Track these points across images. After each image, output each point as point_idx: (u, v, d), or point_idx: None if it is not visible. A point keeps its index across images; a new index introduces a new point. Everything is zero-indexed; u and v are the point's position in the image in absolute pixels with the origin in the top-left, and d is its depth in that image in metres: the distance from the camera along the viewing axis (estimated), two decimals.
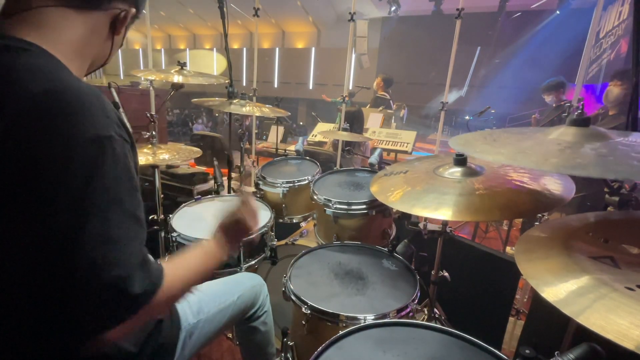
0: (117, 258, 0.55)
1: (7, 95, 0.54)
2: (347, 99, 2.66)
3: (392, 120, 4.88)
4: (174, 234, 1.44)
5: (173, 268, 0.66)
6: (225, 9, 1.83)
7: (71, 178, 0.53)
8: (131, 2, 0.70)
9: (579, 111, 0.79)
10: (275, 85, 12.44)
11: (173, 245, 1.46)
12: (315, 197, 1.63)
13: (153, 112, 1.91)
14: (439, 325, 0.88)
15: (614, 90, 3.02)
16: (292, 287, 1.13)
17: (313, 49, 11.90)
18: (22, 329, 0.58)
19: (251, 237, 0.87)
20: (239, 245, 0.88)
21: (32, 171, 0.53)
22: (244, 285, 1.16)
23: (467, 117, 2.94)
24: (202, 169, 2.94)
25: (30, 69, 0.56)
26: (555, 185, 0.94)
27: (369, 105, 5.16)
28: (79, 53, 0.66)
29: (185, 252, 0.75)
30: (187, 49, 14.59)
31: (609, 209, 0.95)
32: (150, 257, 0.62)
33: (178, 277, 0.66)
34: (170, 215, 1.58)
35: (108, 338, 0.57)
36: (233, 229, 0.85)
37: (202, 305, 1.01)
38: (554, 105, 3.62)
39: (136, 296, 0.56)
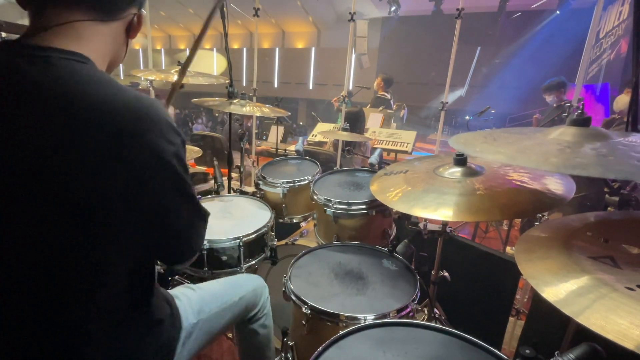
0: (202, 233, 0.83)
1: (100, 101, 0.60)
2: (346, 99, 2.66)
3: (392, 120, 4.88)
4: None
5: None
6: (225, 9, 1.83)
7: (171, 176, 0.68)
8: (139, 5, 0.77)
9: (579, 111, 0.79)
10: (275, 85, 12.44)
11: None
12: (315, 197, 1.63)
13: None
14: (439, 325, 0.88)
15: (624, 98, 3.06)
16: (292, 287, 1.13)
17: (313, 49, 11.90)
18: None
19: None
20: None
21: (143, 183, 0.64)
22: (245, 286, 1.16)
23: (467, 117, 2.94)
24: (202, 169, 2.95)
25: (101, 78, 0.64)
26: (555, 185, 0.94)
27: (369, 105, 5.16)
28: (103, 60, 0.73)
29: None
30: (187, 49, 14.58)
31: (609, 209, 0.95)
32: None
33: None
34: None
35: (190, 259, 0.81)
36: None
37: (203, 305, 1.01)
38: (554, 105, 3.62)
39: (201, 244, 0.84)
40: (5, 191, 0.59)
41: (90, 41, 0.68)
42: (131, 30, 0.77)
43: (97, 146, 0.58)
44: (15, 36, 0.65)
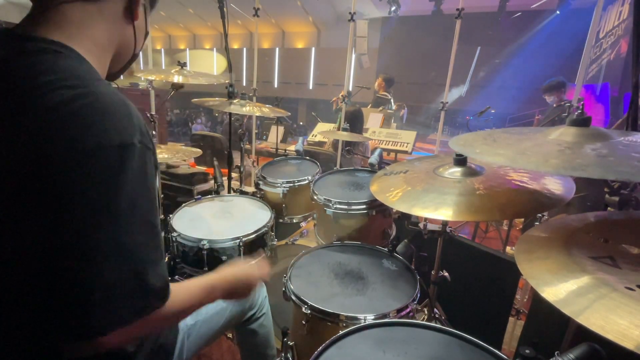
0: (130, 268, 0.56)
1: (39, 97, 0.55)
2: (346, 99, 2.66)
3: (392, 120, 4.88)
4: (174, 234, 1.44)
5: (179, 290, 0.67)
6: (225, 9, 1.83)
7: (91, 184, 0.54)
8: None
9: (579, 111, 0.79)
10: (275, 85, 12.44)
11: (173, 245, 1.46)
12: (315, 197, 1.63)
13: (153, 112, 1.92)
14: (439, 325, 0.88)
15: None
16: (292, 287, 1.13)
17: (313, 49, 11.90)
18: (21, 329, 0.58)
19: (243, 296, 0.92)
20: (231, 298, 0.93)
21: (52, 174, 0.53)
22: None
23: (468, 117, 2.94)
24: (202, 169, 2.95)
25: (62, 71, 0.57)
26: (555, 185, 0.94)
27: (370, 105, 5.16)
28: (100, 46, 0.66)
29: (193, 281, 0.75)
30: (187, 49, 14.59)
31: (609, 209, 0.95)
32: (163, 270, 0.62)
33: (180, 300, 0.66)
34: (171, 215, 1.58)
35: (105, 342, 0.56)
36: (240, 287, 0.87)
37: None
38: (554, 105, 3.62)
39: (142, 307, 0.57)
40: None
41: (81, 26, 0.62)
42: (133, 10, 0.68)
43: (58, 140, 0.53)
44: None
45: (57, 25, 0.61)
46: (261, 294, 1.22)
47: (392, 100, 5.10)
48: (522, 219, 3.38)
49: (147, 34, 0.77)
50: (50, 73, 0.56)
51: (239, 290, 0.87)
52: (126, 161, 0.56)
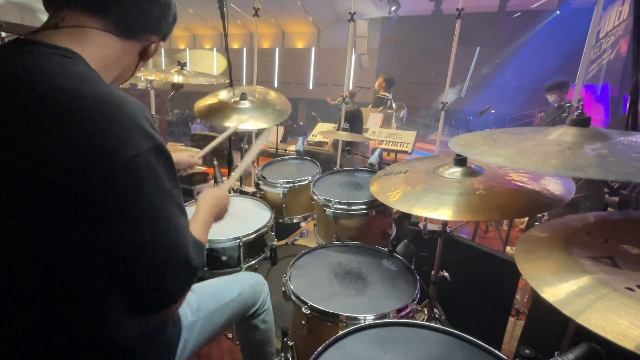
0: (182, 242, 0.67)
1: (58, 94, 0.58)
2: (347, 99, 2.66)
3: (393, 120, 4.88)
4: None
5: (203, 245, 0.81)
6: (225, 9, 1.83)
7: (130, 182, 0.59)
8: (161, 36, 0.78)
9: (579, 111, 0.79)
10: (275, 85, 12.44)
11: None
12: (315, 197, 1.63)
13: (153, 112, 1.92)
14: (439, 325, 0.88)
15: None
16: (292, 287, 1.13)
17: (313, 49, 11.90)
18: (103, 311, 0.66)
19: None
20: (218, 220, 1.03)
21: (93, 176, 0.57)
22: (243, 283, 1.16)
23: (470, 118, 2.94)
24: (202, 169, 2.94)
25: (76, 74, 0.61)
26: (555, 186, 0.94)
27: (370, 106, 5.16)
28: (107, 69, 0.72)
29: (196, 228, 0.84)
30: (187, 49, 14.59)
31: (609, 209, 0.95)
32: (192, 238, 0.73)
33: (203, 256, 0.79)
34: None
35: (175, 308, 0.71)
36: (220, 208, 1.01)
37: (202, 303, 1.01)
38: (555, 105, 3.62)
39: (192, 273, 0.70)
40: None
41: (98, 48, 0.68)
42: (146, 55, 0.78)
43: (58, 140, 0.56)
44: (15, 36, 0.66)
45: (77, 40, 0.66)
46: (263, 291, 1.22)
47: (392, 101, 5.10)
48: (523, 219, 3.39)
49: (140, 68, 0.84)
50: (70, 75, 0.60)
51: (220, 211, 1.01)
52: (158, 154, 0.63)
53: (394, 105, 5.14)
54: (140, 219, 0.61)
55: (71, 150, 0.56)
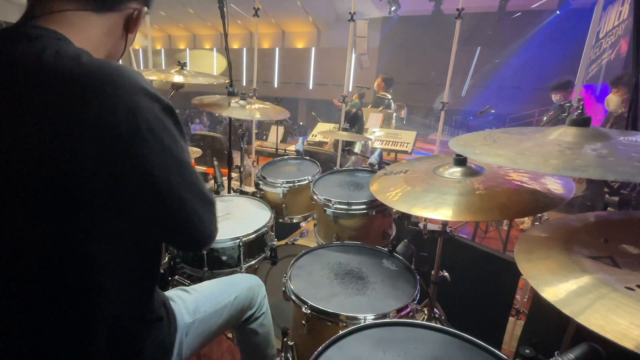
0: (204, 185, 0.73)
1: (66, 74, 0.58)
2: (352, 100, 2.66)
3: (393, 120, 4.89)
4: None
5: None
6: (225, 9, 1.83)
7: (149, 143, 0.61)
8: (143, 0, 0.75)
9: (579, 111, 0.79)
10: (275, 85, 12.45)
11: None
12: (315, 197, 1.63)
13: None
14: (439, 325, 0.88)
15: (613, 98, 3.07)
16: (292, 287, 1.13)
17: (313, 49, 11.91)
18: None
19: None
20: None
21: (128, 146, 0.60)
22: (240, 285, 1.16)
23: (470, 118, 2.95)
24: (202, 169, 2.95)
25: (73, 53, 0.61)
26: (555, 185, 0.94)
27: (370, 106, 5.17)
28: (95, 50, 0.70)
29: None
30: (187, 49, 14.59)
31: (608, 209, 0.95)
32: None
33: None
34: None
35: (208, 245, 0.77)
36: None
37: (199, 305, 1.01)
38: (558, 104, 3.62)
39: (214, 218, 0.76)
40: None
41: (82, 30, 0.67)
42: (130, 24, 0.74)
43: (66, 115, 0.56)
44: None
45: (58, 25, 0.64)
46: (260, 293, 1.21)
47: (392, 100, 5.10)
48: (523, 219, 3.39)
49: (132, 42, 0.82)
50: (64, 54, 0.60)
51: None
52: (167, 121, 0.64)
53: (393, 105, 5.14)
54: (171, 173, 0.64)
55: (99, 123, 0.57)
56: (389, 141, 4.16)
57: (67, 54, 0.60)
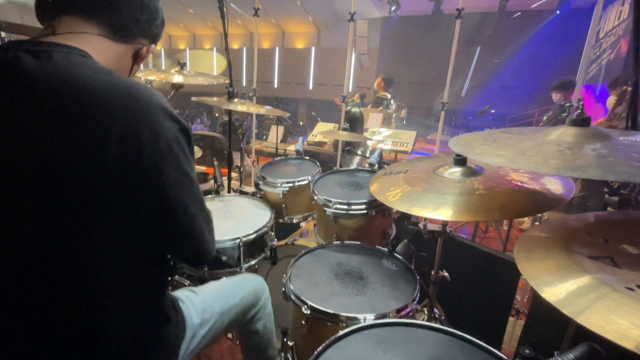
0: (206, 206, 0.78)
1: (94, 90, 0.61)
2: (354, 100, 2.66)
3: (393, 120, 4.89)
4: None
5: None
6: (225, 9, 1.83)
7: (168, 162, 0.66)
8: (151, 39, 0.83)
9: (579, 111, 0.79)
10: (275, 85, 12.44)
11: None
12: (315, 197, 1.63)
13: None
14: (439, 325, 0.88)
15: (611, 99, 3.11)
16: (292, 287, 1.13)
17: (313, 49, 11.90)
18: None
19: None
20: None
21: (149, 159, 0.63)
22: (246, 287, 1.17)
23: (470, 118, 2.95)
24: (202, 169, 2.95)
25: (101, 69, 0.65)
26: (555, 185, 0.94)
27: (370, 106, 5.16)
28: None
29: None
30: (187, 49, 14.59)
31: (608, 209, 0.95)
32: None
33: None
34: None
35: (210, 261, 0.88)
36: None
37: (206, 306, 1.02)
38: (558, 104, 3.61)
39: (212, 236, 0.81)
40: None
41: (98, 51, 0.71)
42: (138, 58, 0.81)
43: (91, 134, 0.59)
44: (15, 36, 0.67)
45: (78, 44, 0.68)
46: (264, 294, 1.22)
47: (392, 100, 5.10)
48: (523, 219, 3.38)
49: (134, 73, 0.87)
50: (94, 71, 0.64)
51: None
52: (183, 143, 0.69)
53: (393, 105, 5.14)
54: (184, 190, 0.69)
55: (123, 140, 0.60)
56: (390, 141, 4.15)
57: (97, 70, 0.64)
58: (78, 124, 0.59)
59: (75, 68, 0.62)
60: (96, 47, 0.71)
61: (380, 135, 4.21)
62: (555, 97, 3.66)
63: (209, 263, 0.80)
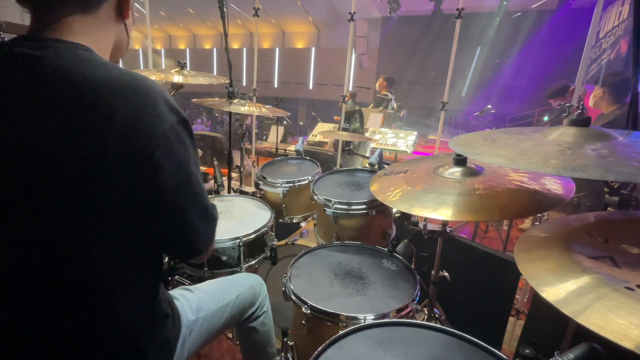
0: (208, 201, 0.78)
1: (98, 83, 0.61)
2: (348, 99, 2.67)
3: (392, 120, 4.89)
4: None
5: None
6: (225, 9, 1.83)
7: (167, 154, 0.65)
8: None
9: (579, 111, 0.79)
10: (275, 85, 12.45)
11: None
12: (315, 197, 1.63)
13: None
14: (439, 325, 0.88)
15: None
16: (292, 287, 1.13)
17: (313, 49, 11.90)
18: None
19: None
20: None
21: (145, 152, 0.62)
22: (242, 284, 1.17)
23: (470, 118, 2.94)
24: (202, 169, 2.94)
25: (102, 63, 0.65)
26: (555, 185, 0.94)
27: (371, 106, 5.17)
28: (100, 47, 0.72)
29: None
30: (187, 49, 14.60)
31: (608, 209, 0.95)
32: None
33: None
34: None
35: (204, 256, 0.82)
36: None
37: (202, 303, 1.02)
38: (559, 105, 3.61)
39: (213, 229, 0.81)
40: (4, 178, 0.59)
41: (84, 34, 0.68)
42: (122, 9, 0.74)
43: (94, 124, 0.59)
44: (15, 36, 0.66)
45: (66, 32, 0.66)
46: (261, 292, 1.22)
47: (393, 101, 5.10)
48: (524, 219, 3.39)
49: (133, 24, 0.82)
50: (96, 65, 0.64)
51: None
52: (183, 134, 0.69)
53: (394, 105, 5.14)
54: (177, 180, 0.68)
55: (124, 130, 0.60)
56: (390, 142, 4.15)
57: (100, 65, 0.64)
58: (82, 117, 0.59)
59: (80, 64, 0.62)
60: (81, 30, 0.68)
61: (380, 135, 4.21)
62: (554, 103, 3.66)
63: (203, 254, 0.80)
